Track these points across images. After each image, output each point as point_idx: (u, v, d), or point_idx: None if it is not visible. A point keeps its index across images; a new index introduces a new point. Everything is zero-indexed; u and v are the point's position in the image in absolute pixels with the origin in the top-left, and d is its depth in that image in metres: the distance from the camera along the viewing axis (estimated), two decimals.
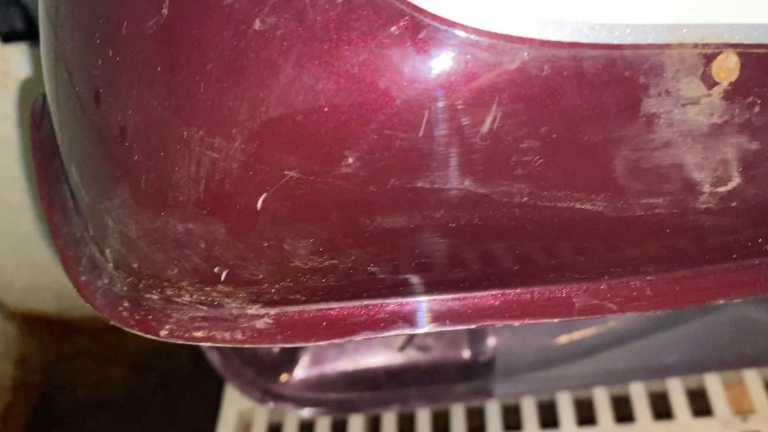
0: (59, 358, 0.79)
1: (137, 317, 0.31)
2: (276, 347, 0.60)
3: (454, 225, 0.26)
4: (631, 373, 0.65)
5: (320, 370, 0.61)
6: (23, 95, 0.59)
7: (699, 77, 0.23)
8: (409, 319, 0.29)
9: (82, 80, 0.28)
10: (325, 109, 0.23)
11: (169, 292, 0.30)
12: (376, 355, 0.62)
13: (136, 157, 0.27)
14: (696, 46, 0.23)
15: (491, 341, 0.64)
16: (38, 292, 0.74)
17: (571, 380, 0.65)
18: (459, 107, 0.23)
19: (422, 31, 0.22)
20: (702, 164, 0.25)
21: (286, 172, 0.25)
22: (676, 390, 0.61)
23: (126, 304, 0.31)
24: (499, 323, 0.29)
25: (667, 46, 0.22)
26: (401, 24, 0.22)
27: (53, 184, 0.37)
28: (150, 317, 0.31)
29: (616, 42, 0.22)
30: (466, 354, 0.64)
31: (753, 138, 0.24)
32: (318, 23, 0.23)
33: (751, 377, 0.62)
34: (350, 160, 0.24)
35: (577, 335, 0.65)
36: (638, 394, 0.62)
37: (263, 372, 0.59)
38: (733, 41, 0.23)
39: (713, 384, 0.61)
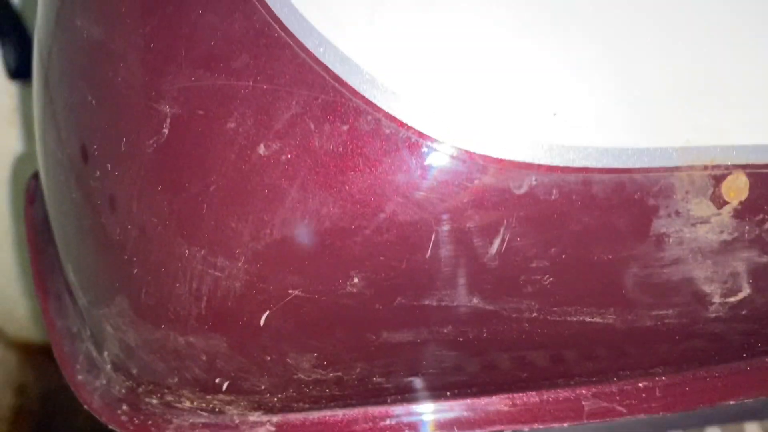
0: (59, 388, 0.78)
1: (136, 422, 0.30)
2: None
3: (462, 339, 0.25)
4: (633, 428, 0.64)
5: None
6: (31, 131, 0.58)
7: (709, 197, 0.23)
8: (415, 426, 0.29)
9: (80, 188, 0.28)
10: (331, 232, 0.23)
11: (169, 398, 0.29)
12: None
13: (135, 271, 0.26)
14: (705, 167, 0.22)
15: None
16: (39, 322, 0.74)
17: None
18: (466, 230, 0.23)
19: (428, 157, 0.22)
20: (712, 278, 0.25)
21: (290, 291, 0.24)
22: None
23: (125, 407, 0.31)
24: (507, 429, 0.29)
25: (677, 168, 0.22)
26: (407, 150, 0.22)
27: (49, 271, 0.36)
28: (150, 422, 0.30)
29: (625, 166, 0.22)
30: None
31: (763, 252, 0.24)
32: (323, 149, 0.22)
33: (752, 429, 0.61)
34: (356, 280, 0.24)
35: None
36: None
37: None
38: (742, 162, 0.22)
39: None
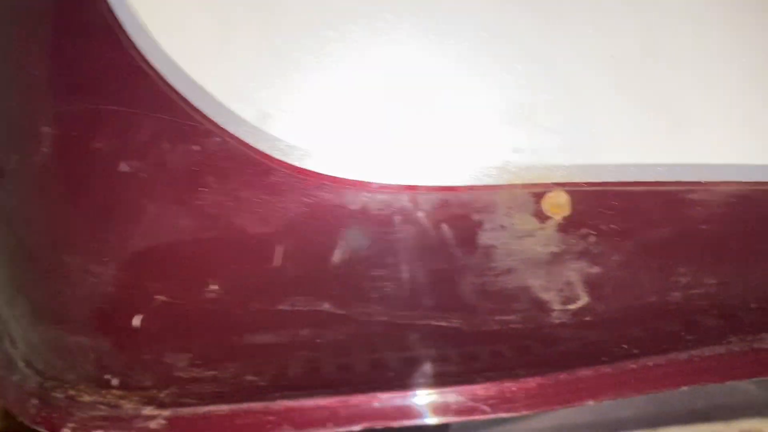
0: None
1: (44, 414, 0.33)
2: None
3: (320, 341, 0.27)
4: (585, 429, 0.66)
5: None
6: None
7: (531, 213, 0.25)
8: (294, 420, 0.31)
9: None
10: (186, 243, 0.25)
11: (71, 392, 0.32)
12: None
13: (29, 273, 0.29)
14: (525, 186, 0.24)
15: None
16: None
17: None
18: (309, 241, 0.25)
19: (272, 176, 0.24)
20: (547, 286, 0.27)
21: (156, 297, 0.26)
22: None
23: (34, 401, 0.33)
24: (376, 425, 0.31)
25: (499, 187, 0.24)
26: (251, 168, 0.24)
27: None
28: (55, 415, 0.32)
29: (450, 184, 0.24)
30: None
31: (593, 263, 0.26)
32: (177, 168, 0.25)
33: None
34: (213, 287, 0.26)
35: None
36: None
37: None
38: (561, 180, 0.24)
39: None
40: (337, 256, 0.25)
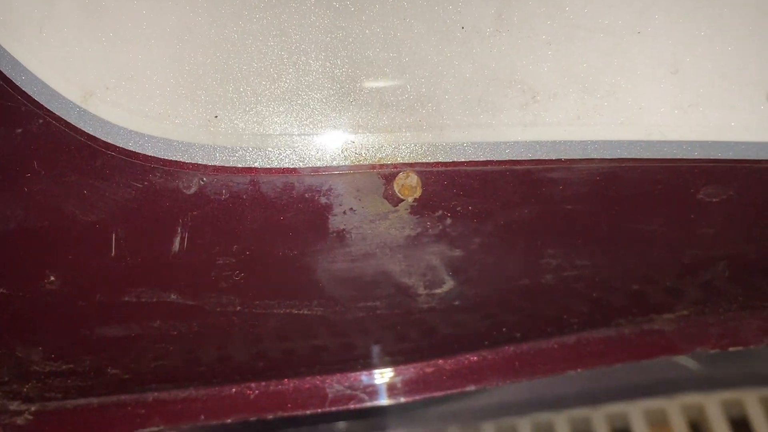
0: None
1: None
2: None
3: (176, 332, 0.26)
4: (526, 406, 0.65)
5: None
6: None
7: (382, 195, 0.23)
8: (165, 413, 0.30)
9: None
10: (18, 233, 0.24)
11: None
12: None
13: None
14: (373, 167, 0.23)
15: None
16: None
17: (463, 415, 0.65)
18: (145, 229, 0.23)
19: (98, 159, 0.23)
20: (409, 271, 0.25)
21: None
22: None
23: None
24: (252, 416, 0.30)
25: (345, 168, 0.23)
26: (78, 153, 0.23)
27: None
28: None
29: (292, 166, 0.23)
30: None
31: (453, 246, 0.25)
32: (1, 153, 0.23)
33: (677, 420, 0.62)
34: (52, 278, 0.24)
35: None
36: (525, 427, 0.62)
37: None
38: (410, 161, 0.23)
39: (639, 426, 0.62)
40: (176, 244, 0.24)
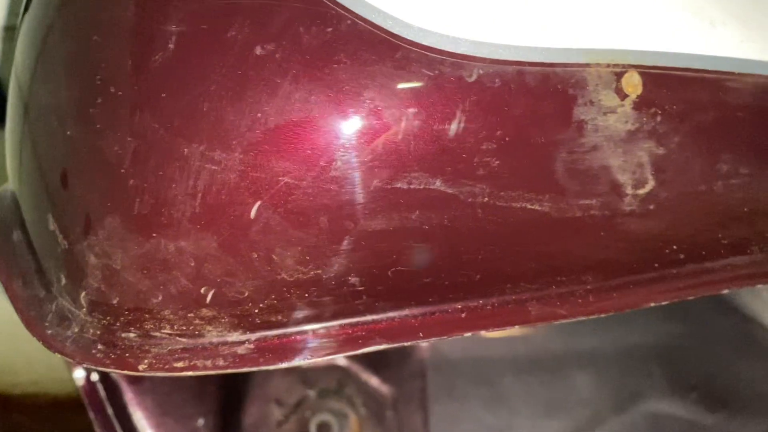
0: None
1: (113, 356, 0.31)
2: None
3: (427, 227, 0.29)
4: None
5: None
6: None
7: (613, 90, 0.29)
8: (385, 334, 0.32)
9: (75, 124, 0.31)
10: (317, 119, 0.27)
11: (148, 326, 0.31)
12: None
13: (131, 182, 0.29)
14: (608, 65, 0.29)
15: None
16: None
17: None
18: (431, 114, 0.28)
19: (397, 52, 0.27)
20: (623, 167, 0.30)
21: (280, 178, 0.28)
22: None
23: (100, 346, 0.31)
24: (466, 333, 0.32)
25: (587, 65, 0.29)
26: (380, 47, 0.27)
27: (11, 257, 0.37)
28: (127, 354, 0.31)
29: (548, 61, 0.28)
30: None
31: (659, 144, 0.30)
32: (312, 46, 0.27)
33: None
34: (339, 164, 0.28)
35: None
36: None
37: None
38: (634, 63, 0.29)
39: None
40: (454, 127, 0.28)
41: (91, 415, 0.49)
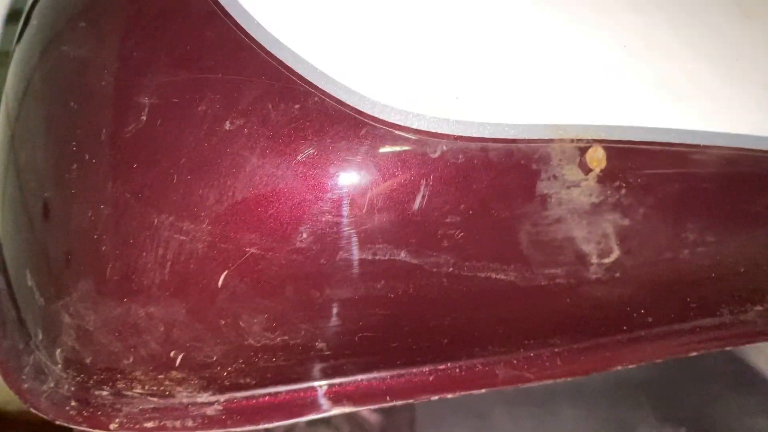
0: None
1: (85, 414, 0.32)
2: None
3: (392, 295, 0.30)
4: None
5: None
6: None
7: (577, 165, 0.30)
8: (352, 397, 0.32)
9: (51, 187, 0.31)
10: (284, 192, 0.28)
11: (120, 385, 0.31)
12: None
13: (103, 248, 0.30)
14: (572, 141, 0.29)
15: None
16: None
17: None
18: (395, 188, 0.28)
19: (362, 129, 0.28)
20: (588, 238, 0.31)
21: (246, 249, 0.28)
22: None
23: (73, 403, 0.32)
24: (433, 397, 0.32)
25: (551, 140, 0.29)
26: (346, 123, 0.28)
27: None
28: (99, 413, 0.32)
29: (512, 137, 0.29)
30: None
31: (624, 215, 0.31)
32: (279, 123, 0.28)
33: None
34: (304, 236, 0.28)
35: None
36: None
37: None
38: (598, 137, 0.30)
39: None
40: (417, 202, 0.28)
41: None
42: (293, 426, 0.73)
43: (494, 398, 0.77)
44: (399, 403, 0.32)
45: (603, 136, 0.30)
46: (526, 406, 0.77)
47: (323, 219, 0.28)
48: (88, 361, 0.32)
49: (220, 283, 0.29)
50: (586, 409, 0.77)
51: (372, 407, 0.32)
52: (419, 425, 0.75)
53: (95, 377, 0.32)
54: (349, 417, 0.75)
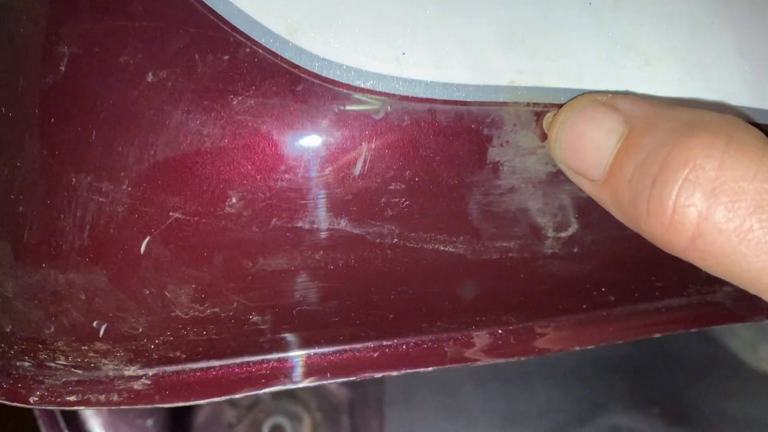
0: None
1: (5, 386, 0.30)
2: None
3: (332, 267, 0.28)
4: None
5: None
6: None
7: (533, 131, 0.27)
8: (289, 374, 0.30)
9: None
10: (211, 152, 0.26)
11: (42, 356, 0.29)
12: None
13: (21, 209, 0.27)
14: (528, 104, 0.27)
15: None
16: None
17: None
18: (334, 151, 0.26)
19: (299, 84, 0.26)
20: (543, 210, 0.29)
21: (171, 213, 0.26)
22: None
23: None
24: (378, 374, 0.30)
25: (504, 104, 0.27)
26: (280, 78, 0.26)
27: None
28: (19, 385, 0.30)
29: (462, 99, 0.27)
30: None
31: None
32: (206, 76, 0.25)
33: None
34: (234, 200, 0.26)
35: None
36: None
37: None
38: (556, 102, 0.27)
39: None
40: (359, 167, 0.26)
41: (37, 413, 0.48)
42: (258, 399, 0.72)
43: (465, 374, 0.76)
44: (340, 380, 0.30)
45: (562, 100, 0.28)
46: (497, 383, 0.75)
47: (255, 183, 0.26)
48: (8, 329, 0.30)
49: (142, 249, 0.26)
50: (559, 388, 0.75)
51: (311, 384, 0.30)
52: (388, 400, 0.74)
53: (16, 347, 0.30)
54: (316, 391, 0.73)
